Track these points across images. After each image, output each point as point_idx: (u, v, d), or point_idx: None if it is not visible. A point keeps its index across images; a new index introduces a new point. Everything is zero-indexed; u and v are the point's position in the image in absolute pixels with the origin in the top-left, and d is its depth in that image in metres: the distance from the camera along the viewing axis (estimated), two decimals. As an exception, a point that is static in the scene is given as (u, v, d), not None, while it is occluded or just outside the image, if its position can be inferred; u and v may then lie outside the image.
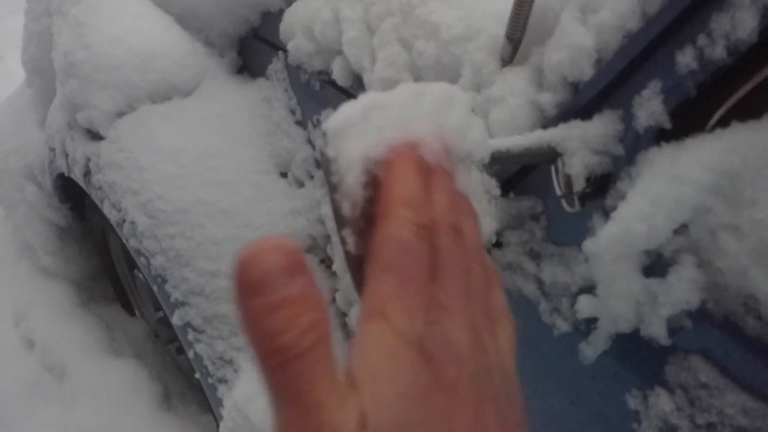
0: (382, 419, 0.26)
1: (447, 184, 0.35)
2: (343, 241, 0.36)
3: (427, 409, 0.27)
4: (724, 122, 0.50)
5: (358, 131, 0.37)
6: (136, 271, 1.60)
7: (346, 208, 0.36)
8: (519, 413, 0.33)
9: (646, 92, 0.53)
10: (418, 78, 0.78)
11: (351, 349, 0.28)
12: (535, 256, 0.67)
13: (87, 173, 1.36)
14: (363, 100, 0.37)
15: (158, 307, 1.51)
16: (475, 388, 0.29)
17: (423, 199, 0.33)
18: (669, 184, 0.50)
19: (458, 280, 0.32)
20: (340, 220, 0.36)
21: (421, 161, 0.34)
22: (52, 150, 1.54)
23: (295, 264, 0.27)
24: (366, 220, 0.34)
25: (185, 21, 1.33)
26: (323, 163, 0.36)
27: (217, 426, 1.21)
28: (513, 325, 0.35)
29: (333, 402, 0.26)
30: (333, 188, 0.36)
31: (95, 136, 1.32)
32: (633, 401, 0.58)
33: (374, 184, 0.35)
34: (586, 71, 0.57)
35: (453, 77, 0.71)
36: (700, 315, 0.52)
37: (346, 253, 0.36)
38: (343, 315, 1.12)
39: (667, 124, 0.52)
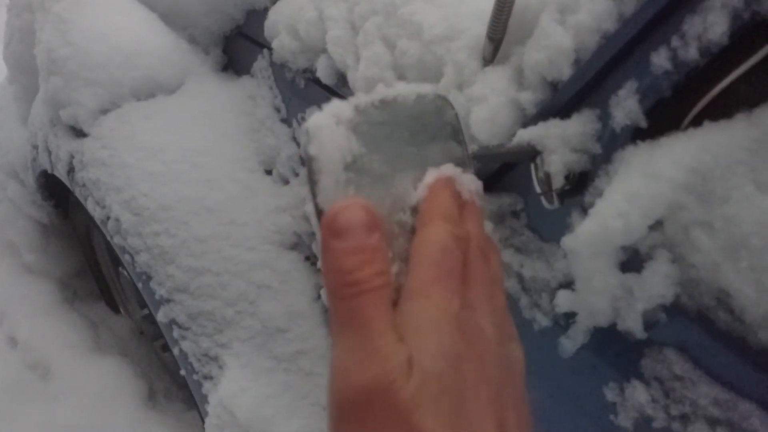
0: (426, 365, 0.30)
1: (477, 217, 0.39)
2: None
3: (461, 372, 0.31)
4: (697, 121, 0.52)
5: (340, 130, 0.38)
6: (120, 268, 1.60)
7: (326, 205, 0.36)
8: (529, 413, 0.36)
9: (622, 92, 0.54)
10: (401, 77, 0.78)
11: (396, 317, 0.32)
12: (516, 253, 0.68)
13: (70, 170, 1.35)
14: (348, 101, 0.38)
15: (143, 305, 1.51)
16: (498, 369, 0.33)
17: (458, 217, 0.37)
18: (644, 182, 0.52)
19: (485, 290, 0.36)
20: (320, 216, 0.37)
21: (456, 192, 0.38)
22: (35, 147, 1.53)
23: (374, 222, 0.33)
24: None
25: (169, 18, 1.33)
26: (305, 161, 0.37)
27: (203, 423, 1.22)
28: (523, 353, 0.38)
29: (388, 337, 0.30)
30: (314, 185, 0.37)
31: (79, 133, 1.31)
32: (611, 393, 0.60)
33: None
34: (564, 71, 0.58)
35: (435, 76, 0.72)
36: (675, 309, 0.54)
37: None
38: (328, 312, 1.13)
39: (643, 123, 0.54)
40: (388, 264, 0.33)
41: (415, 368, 0.30)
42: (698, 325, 0.53)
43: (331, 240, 0.32)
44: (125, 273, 1.47)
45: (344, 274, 0.32)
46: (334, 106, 0.38)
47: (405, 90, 0.41)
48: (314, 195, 0.37)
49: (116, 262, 1.61)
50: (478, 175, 0.42)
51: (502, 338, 0.35)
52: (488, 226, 0.41)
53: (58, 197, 1.73)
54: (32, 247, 1.89)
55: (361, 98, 0.39)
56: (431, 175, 0.39)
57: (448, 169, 0.39)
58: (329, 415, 0.31)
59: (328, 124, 0.37)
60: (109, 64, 1.27)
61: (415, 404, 0.29)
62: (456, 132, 0.42)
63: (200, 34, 1.32)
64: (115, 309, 1.94)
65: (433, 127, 0.41)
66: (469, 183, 0.39)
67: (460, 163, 0.43)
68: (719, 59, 0.48)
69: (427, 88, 0.42)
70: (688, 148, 0.50)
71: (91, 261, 1.88)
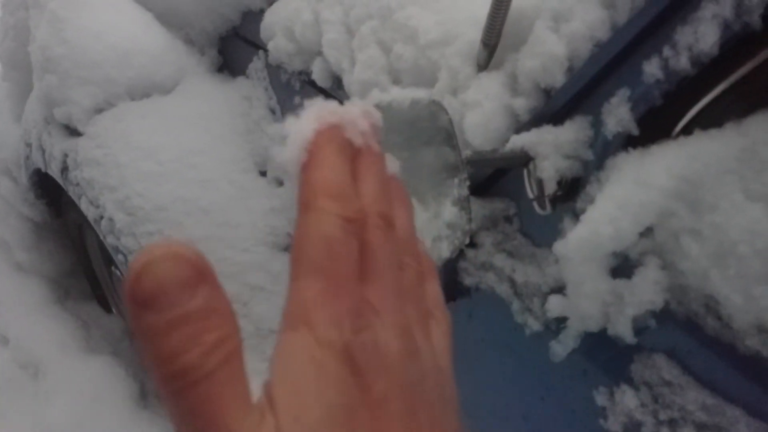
0: None
1: (376, 168, 0.31)
2: None
3: (355, 426, 0.24)
4: (688, 130, 0.52)
5: None
6: (113, 267, 1.60)
7: None
8: (454, 417, 0.31)
9: (614, 99, 0.55)
10: (396, 81, 0.79)
11: (271, 362, 0.25)
12: (509, 257, 0.68)
13: (64, 169, 1.35)
14: (327, 103, 0.38)
15: (135, 305, 1.51)
16: (406, 399, 0.27)
17: (349, 188, 0.29)
18: (635, 189, 0.52)
19: (390, 278, 0.29)
20: None
21: (346, 144, 0.30)
22: (29, 145, 1.52)
23: (196, 272, 0.23)
24: None
25: (165, 18, 1.33)
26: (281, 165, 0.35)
27: (194, 423, 1.21)
28: (448, 319, 0.33)
29: (245, 427, 0.23)
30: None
31: (73, 132, 1.31)
32: (600, 398, 0.60)
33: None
34: (558, 78, 0.59)
35: (430, 81, 0.73)
36: (664, 315, 0.55)
37: None
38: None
39: (635, 131, 0.54)
40: (231, 320, 0.24)
41: None
42: (687, 331, 0.54)
43: (141, 314, 0.23)
44: (118, 272, 1.47)
45: (168, 360, 0.23)
46: None
47: (399, 95, 0.41)
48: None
49: (109, 261, 1.61)
50: (472, 179, 0.42)
51: (411, 345, 0.28)
52: (392, 164, 0.34)
53: (51, 196, 1.73)
54: (24, 246, 1.88)
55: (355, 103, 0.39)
56: (309, 126, 0.29)
57: (330, 113, 0.30)
58: None
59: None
60: (105, 63, 1.26)
61: None
62: (450, 137, 0.43)
63: (196, 34, 1.33)
64: (107, 308, 1.94)
65: (427, 132, 0.42)
66: (361, 120, 0.31)
67: (453, 167, 0.44)
68: (710, 69, 0.49)
69: (421, 94, 0.42)
70: (679, 157, 0.51)
71: (83, 260, 1.87)
